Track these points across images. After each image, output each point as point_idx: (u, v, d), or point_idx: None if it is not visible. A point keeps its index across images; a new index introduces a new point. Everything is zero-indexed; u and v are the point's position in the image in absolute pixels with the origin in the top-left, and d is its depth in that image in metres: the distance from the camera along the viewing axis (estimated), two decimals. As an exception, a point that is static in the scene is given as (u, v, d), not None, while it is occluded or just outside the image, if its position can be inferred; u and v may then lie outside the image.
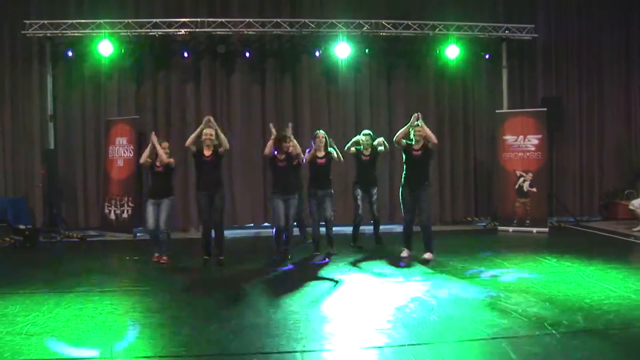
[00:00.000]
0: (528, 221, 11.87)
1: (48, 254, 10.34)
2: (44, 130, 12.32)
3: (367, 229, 10.51)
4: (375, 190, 10.00)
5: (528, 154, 12.00)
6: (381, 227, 10.44)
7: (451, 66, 12.89)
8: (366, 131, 10.12)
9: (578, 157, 13.84)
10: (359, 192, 9.96)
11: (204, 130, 8.67)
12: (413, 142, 8.88)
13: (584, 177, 13.88)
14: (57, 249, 10.86)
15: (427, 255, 8.86)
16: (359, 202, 9.98)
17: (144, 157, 8.90)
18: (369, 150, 9.90)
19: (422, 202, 8.86)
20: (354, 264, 8.75)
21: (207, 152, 8.69)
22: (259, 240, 10.25)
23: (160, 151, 8.76)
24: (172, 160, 8.88)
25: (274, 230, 9.16)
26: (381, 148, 9.95)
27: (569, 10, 13.74)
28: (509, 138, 12.18)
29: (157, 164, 8.82)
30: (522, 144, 12.06)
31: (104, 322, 5.81)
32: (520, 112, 12.63)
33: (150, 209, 8.76)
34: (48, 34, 11.79)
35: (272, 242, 9.22)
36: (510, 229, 11.95)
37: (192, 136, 8.73)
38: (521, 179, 12.01)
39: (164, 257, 8.91)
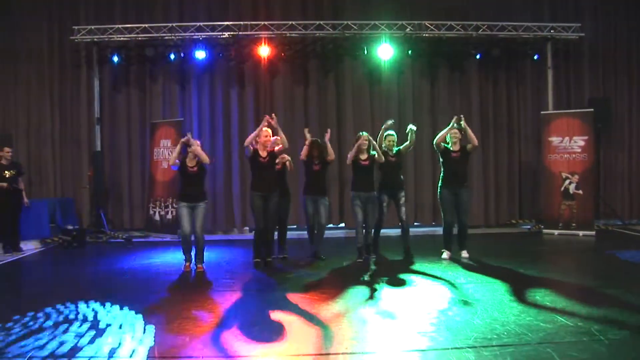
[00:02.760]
0: (574, 224, 11.63)
1: (95, 254, 10.57)
2: (91, 133, 12.64)
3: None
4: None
5: (574, 155, 11.75)
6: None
7: (495, 67, 12.72)
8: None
9: (627, 158, 13.51)
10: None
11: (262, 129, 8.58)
12: (449, 145, 9.04)
13: (632, 179, 13.54)
14: (103, 249, 11.10)
15: (465, 254, 9.19)
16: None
17: (173, 159, 8.51)
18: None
19: (462, 203, 9.09)
20: (395, 267, 8.70)
21: (263, 154, 8.58)
22: (301, 241, 10.29)
23: (199, 151, 8.42)
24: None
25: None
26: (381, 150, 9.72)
27: (617, 7, 13.42)
28: (555, 139, 11.96)
29: (190, 164, 8.51)
30: (568, 145, 11.82)
31: (150, 321, 5.90)
32: (566, 113, 12.39)
33: (184, 212, 8.43)
34: (95, 39, 12.08)
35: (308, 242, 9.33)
36: (556, 232, 11.73)
37: (251, 136, 8.58)
38: (567, 181, 11.78)
39: (200, 266, 8.54)
